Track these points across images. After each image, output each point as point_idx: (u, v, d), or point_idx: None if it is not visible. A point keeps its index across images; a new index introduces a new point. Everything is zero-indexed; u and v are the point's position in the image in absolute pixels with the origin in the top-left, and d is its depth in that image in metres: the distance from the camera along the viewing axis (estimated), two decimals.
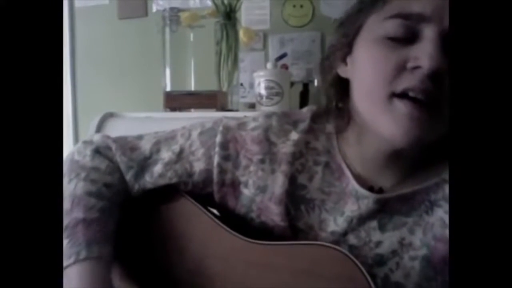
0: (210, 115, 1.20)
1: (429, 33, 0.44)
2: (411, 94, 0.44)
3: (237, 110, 1.30)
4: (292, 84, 1.29)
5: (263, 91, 1.24)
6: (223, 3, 1.26)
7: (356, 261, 0.44)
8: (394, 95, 0.45)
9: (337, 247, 0.46)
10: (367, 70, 0.48)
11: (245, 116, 0.61)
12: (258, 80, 1.25)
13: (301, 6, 1.49)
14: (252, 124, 0.58)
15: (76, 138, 1.78)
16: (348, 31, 0.51)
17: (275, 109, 1.22)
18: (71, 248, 0.49)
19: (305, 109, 0.61)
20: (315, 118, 0.58)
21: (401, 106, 0.44)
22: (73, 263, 0.48)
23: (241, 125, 0.58)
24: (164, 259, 0.57)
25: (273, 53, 1.52)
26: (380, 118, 0.47)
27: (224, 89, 1.29)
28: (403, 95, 0.44)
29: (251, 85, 1.45)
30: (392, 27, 0.45)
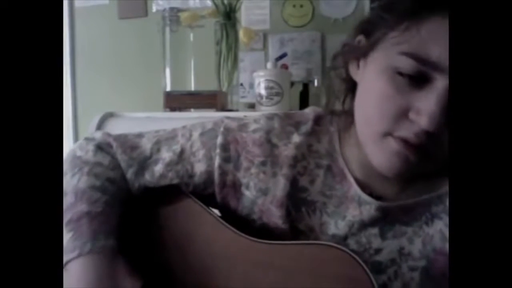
0: (210, 115, 1.20)
1: (439, 85, 0.42)
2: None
3: (237, 110, 1.30)
4: (292, 84, 1.29)
5: (263, 91, 1.24)
6: (223, 3, 1.27)
7: (361, 262, 0.44)
8: (389, 135, 0.45)
9: (341, 247, 0.46)
10: (371, 101, 0.47)
11: (245, 117, 0.61)
12: (258, 80, 1.25)
13: (301, 6, 1.49)
14: (253, 126, 0.58)
15: (76, 138, 1.78)
16: (368, 37, 0.49)
17: (275, 109, 1.22)
18: (75, 241, 0.49)
19: (307, 110, 0.60)
20: (318, 120, 0.58)
21: (393, 144, 0.45)
22: (77, 256, 0.48)
23: (243, 126, 0.58)
24: (167, 258, 0.57)
25: (273, 53, 1.52)
26: (372, 147, 0.48)
27: (224, 89, 1.29)
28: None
29: (251, 85, 1.45)
30: (405, 64, 0.43)
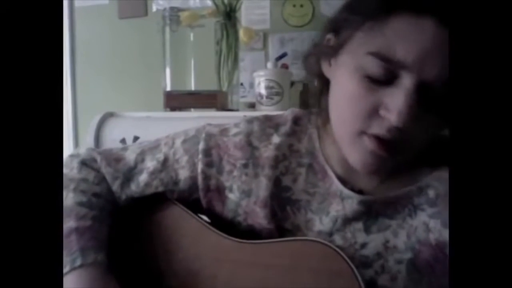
0: (210, 115, 1.20)
1: (406, 82, 0.43)
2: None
3: (237, 110, 1.30)
4: (292, 83, 1.29)
5: (263, 91, 1.24)
6: (223, 2, 1.26)
7: (344, 256, 0.45)
8: (364, 133, 0.47)
9: (325, 242, 0.47)
10: (343, 102, 0.48)
11: (245, 117, 0.62)
12: (258, 80, 1.25)
13: (301, 6, 1.49)
14: (234, 130, 0.59)
15: (76, 138, 1.78)
16: (337, 36, 0.50)
17: (275, 108, 1.22)
18: (65, 257, 0.49)
19: (287, 112, 0.62)
20: (297, 120, 0.59)
21: (367, 142, 0.46)
22: (69, 271, 0.49)
23: (223, 131, 0.60)
24: (156, 264, 0.57)
25: (273, 52, 1.52)
26: (347, 146, 0.49)
27: (224, 88, 1.29)
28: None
29: (251, 85, 1.45)
30: (372, 66, 0.44)
